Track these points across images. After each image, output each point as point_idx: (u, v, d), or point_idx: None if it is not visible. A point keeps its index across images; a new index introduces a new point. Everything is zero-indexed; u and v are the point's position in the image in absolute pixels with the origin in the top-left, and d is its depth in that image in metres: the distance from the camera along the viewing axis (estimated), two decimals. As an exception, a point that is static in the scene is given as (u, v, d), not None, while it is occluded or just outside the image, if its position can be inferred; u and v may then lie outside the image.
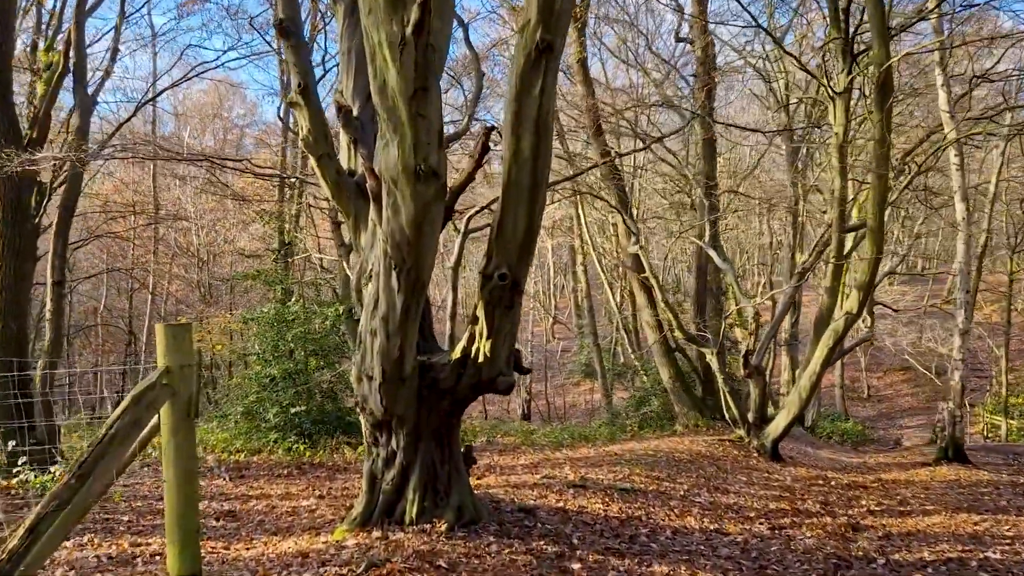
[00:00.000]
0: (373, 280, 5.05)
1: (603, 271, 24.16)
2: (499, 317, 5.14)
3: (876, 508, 8.13)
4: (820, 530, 6.86)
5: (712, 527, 6.72)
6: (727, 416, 12.49)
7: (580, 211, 22.59)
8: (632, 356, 23.38)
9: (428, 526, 5.41)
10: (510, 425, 20.68)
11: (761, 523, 7.06)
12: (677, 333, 11.95)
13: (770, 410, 13.42)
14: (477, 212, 9.42)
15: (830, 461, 13.70)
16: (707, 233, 13.29)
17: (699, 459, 10.57)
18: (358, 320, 5.45)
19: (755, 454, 11.90)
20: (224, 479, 9.36)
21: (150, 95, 22.24)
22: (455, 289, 8.13)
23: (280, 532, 5.95)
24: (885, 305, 23.87)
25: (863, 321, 16.34)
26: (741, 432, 12.33)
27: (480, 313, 5.19)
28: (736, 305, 12.41)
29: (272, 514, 6.75)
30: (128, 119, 20.32)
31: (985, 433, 29.16)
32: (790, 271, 19.97)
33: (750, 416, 12.28)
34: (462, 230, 8.47)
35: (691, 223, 13.18)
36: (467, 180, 5.28)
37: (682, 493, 8.12)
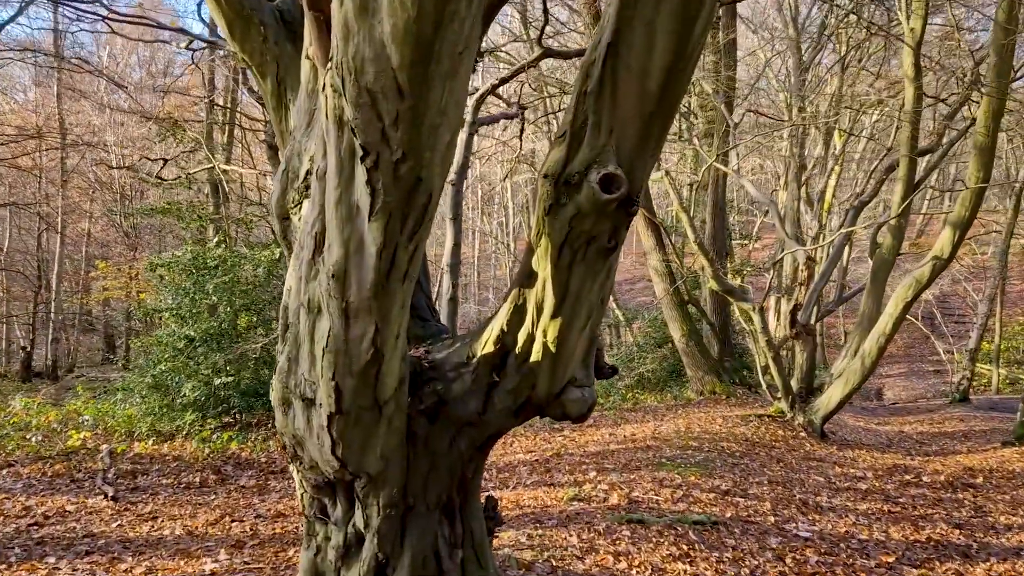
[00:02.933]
0: (314, 191, 2.27)
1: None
2: (584, 271, 2.43)
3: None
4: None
5: (864, 600, 4.26)
6: (764, 384, 10.17)
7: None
8: (615, 306, 20.93)
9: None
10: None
11: (922, 582, 4.65)
12: (712, 283, 9.47)
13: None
14: (499, 86, 6.12)
15: (871, 435, 11.53)
16: (735, 161, 10.66)
17: (753, 449, 8.16)
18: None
19: (803, 434, 9.59)
20: (107, 494, 6.58)
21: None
22: (457, 221, 5.02)
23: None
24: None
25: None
26: (783, 405, 9.98)
27: (541, 265, 2.47)
28: (785, 250, 9.98)
29: (148, 601, 4.02)
30: (14, 17, 16.54)
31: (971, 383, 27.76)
32: (793, 211, 17.61)
33: (794, 385, 9.92)
34: (467, 119, 5.39)
35: (715, 146, 10.59)
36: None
37: (772, 520, 5.66)
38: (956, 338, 30.88)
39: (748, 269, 19.53)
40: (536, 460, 7.59)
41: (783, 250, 11.14)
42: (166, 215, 11.62)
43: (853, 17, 17.62)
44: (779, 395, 10.03)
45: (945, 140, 10.26)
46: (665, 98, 2.14)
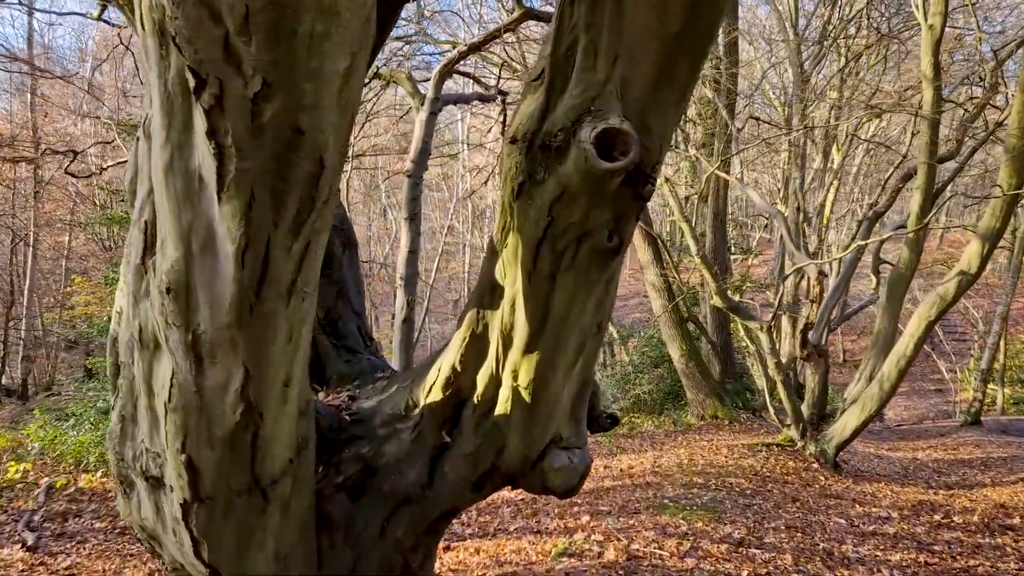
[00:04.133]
0: (139, 157, 1.47)
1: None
2: (572, 283, 1.62)
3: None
4: None
5: None
6: (772, 410, 9.37)
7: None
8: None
9: None
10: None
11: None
12: (716, 300, 8.69)
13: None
14: (468, 53, 5.26)
15: (885, 463, 10.73)
16: (739, 168, 9.93)
17: (764, 486, 7.34)
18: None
19: (815, 465, 8.77)
20: (25, 542, 5.70)
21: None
22: (415, 222, 4.18)
23: None
24: (889, 263, 21.07)
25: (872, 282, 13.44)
26: (792, 433, 9.16)
27: (508, 275, 1.67)
28: (795, 264, 9.23)
29: None
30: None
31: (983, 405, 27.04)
32: (796, 224, 16.89)
33: (805, 411, 9.12)
34: (430, 96, 4.45)
35: (717, 152, 9.87)
36: None
37: (797, 579, 4.83)
38: (958, 356, 30.20)
39: (748, 285, 18.79)
40: (522, 499, 6.75)
41: (789, 264, 10.38)
42: (123, 225, 10.79)
43: (854, 25, 17.06)
44: (788, 422, 9.22)
45: (968, 145, 9.55)
46: (698, 9, 1.35)
